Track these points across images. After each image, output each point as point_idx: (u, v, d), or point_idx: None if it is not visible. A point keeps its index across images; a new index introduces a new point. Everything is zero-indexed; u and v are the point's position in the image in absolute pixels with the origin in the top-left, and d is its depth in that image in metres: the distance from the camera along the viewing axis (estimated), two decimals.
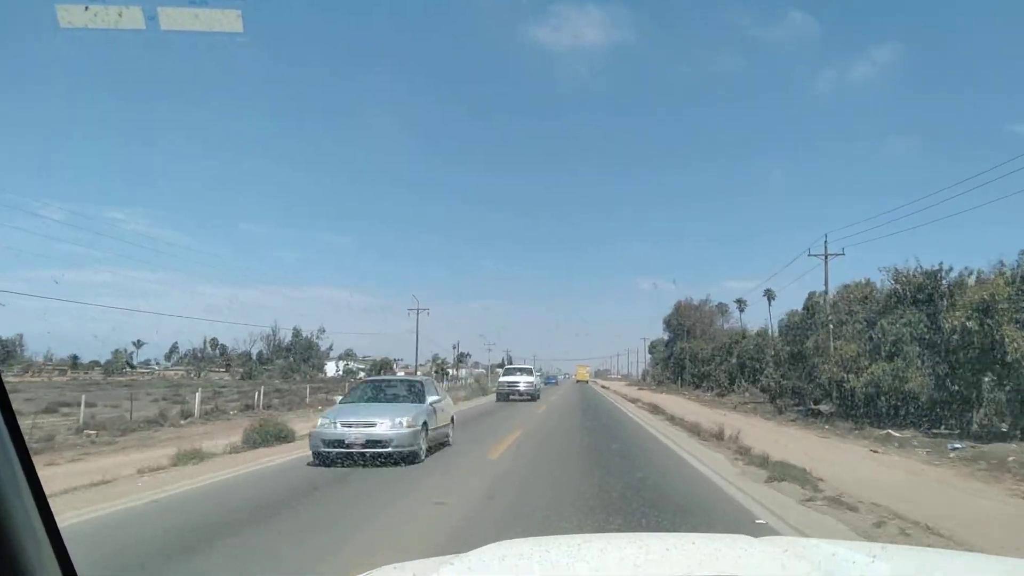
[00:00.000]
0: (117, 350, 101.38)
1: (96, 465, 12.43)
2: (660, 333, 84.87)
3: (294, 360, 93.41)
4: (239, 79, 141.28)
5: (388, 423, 11.96)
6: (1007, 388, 17.40)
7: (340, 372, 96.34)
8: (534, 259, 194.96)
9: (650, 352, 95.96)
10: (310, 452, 12.28)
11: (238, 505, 8.77)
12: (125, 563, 6.06)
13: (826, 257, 34.02)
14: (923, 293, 21.39)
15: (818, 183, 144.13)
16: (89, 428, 20.01)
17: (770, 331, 41.93)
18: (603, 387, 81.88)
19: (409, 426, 12.06)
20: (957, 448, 15.30)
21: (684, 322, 73.68)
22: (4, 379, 1.49)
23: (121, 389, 46.96)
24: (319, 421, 12.63)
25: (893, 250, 54.78)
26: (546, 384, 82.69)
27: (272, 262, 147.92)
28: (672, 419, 22.23)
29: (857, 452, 14.98)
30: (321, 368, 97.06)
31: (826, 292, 29.93)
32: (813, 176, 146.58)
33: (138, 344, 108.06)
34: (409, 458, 11.94)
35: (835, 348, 24.07)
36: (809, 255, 34.12)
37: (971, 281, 20.71)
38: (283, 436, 15.62)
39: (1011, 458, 13.11)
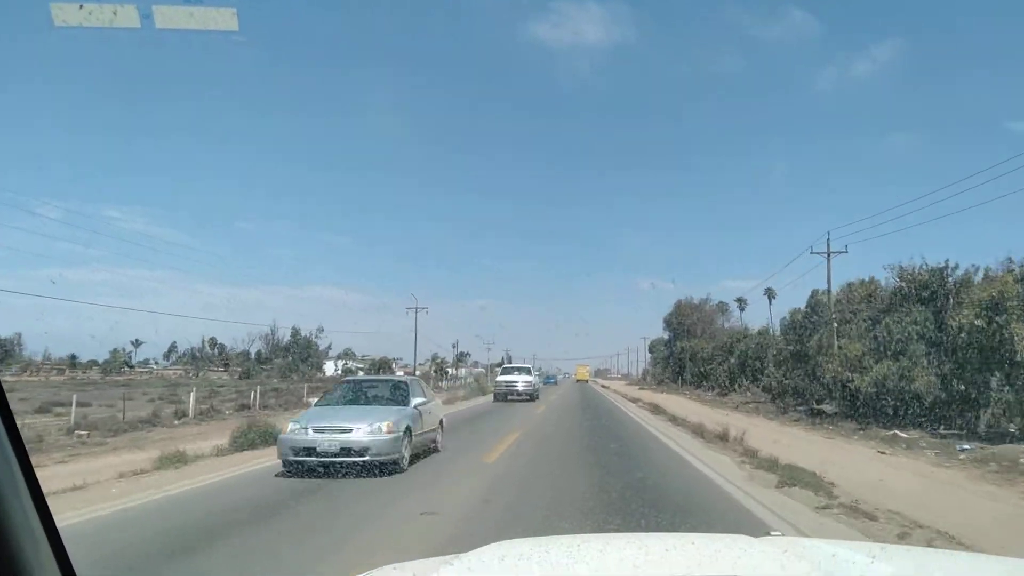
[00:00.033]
0: (115, 349, 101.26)
1: (79, 468, 12.08)
2: (660, 332, 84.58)
3: (293, 359, 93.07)
4: (236, 75, 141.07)
5: (366, 428, 10.85)
6: (1016, 388, 17.07)
7: (339, 371, 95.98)
8: (534, 258, 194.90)
9: (650, 351, 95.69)
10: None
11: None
12: None
13: (828, 255, 33.68)
14: (928, 291, 21.05)
15: (819, 182, 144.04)
16: (80, 428, 19.64)
17: (771, 330, 41.56)
18: (603, 387, 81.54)
19: (389, 432, 10.95)
20: (966, 449, 14.96)
21: (684, 321, 73.32)
22: (2, 379, 1.65)
23: (118, 389, 46.62)
24: (288, 426, 11.43)
25: (896, 248, 54.55)
26: (545, 384, 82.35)
27: (271, 260, 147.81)
28: (674, 419, 21.85)
29: (864, 454, 14.62)
30: (320, 367, 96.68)
31: (829, 290, 29.58)
32: (814, 175, 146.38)
33: (136, 343, 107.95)
34: (389, 467, 10.88)
35: (839, 347, 23.73)
36: (812, 253, 33.80)
37: (978, 279, 20.38)
38: (270, 438, 15.18)
39: (1022, 459, 12.78)
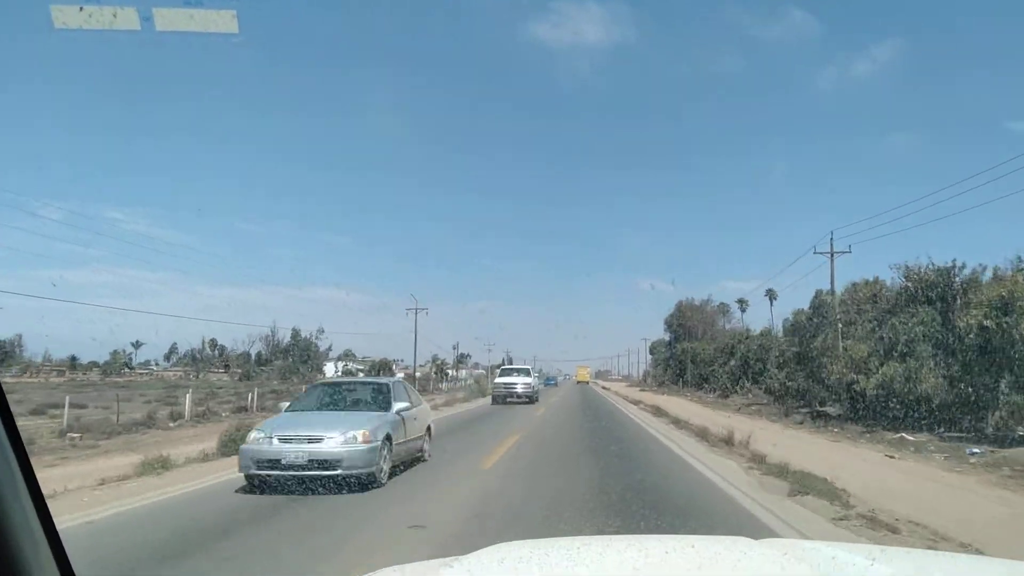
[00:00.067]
0: (115, 351, 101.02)
1: (64, 472, 11.75)
2: (661, 333, 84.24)
3: (293, 361, 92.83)
4: (236, 75, 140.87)
5: (339, 437, 9.67)
6: None
7: (339, 373, 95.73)
8: (534, 258, 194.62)
9: (651, 353, 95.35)
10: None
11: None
12: None
13: (832, 255, 33.38)
14: (935, 291, 20.69)
15: (819, 182, 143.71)
16: (73, 431, 19.33)
17: (774, 331, 41.22)
18: (604, 388, 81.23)
19: (366, 441, 9.77)
20: (976, 453, 14.62)
21: (685, 322, 73.01)
22: (2, 381, 2.14)
23: (116, 390, 46.28)
24: (251, 435, 10.20)
25: (897, 248, 54.12)
26: (546, 385, 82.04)
27: (271, 261, 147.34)
28: (677, 422, 21.48)
29: (872, 458, 14.27)
30: (320, 369, 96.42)
31: (833, 291, 29.26)
32: (814, 175, 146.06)
33: (136, 345, 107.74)
34: (365, 481, 9.72)
35: (844, 348, 23.38)
36: (815, 253, 33.51)
37: (985, 278, 20.03)
38: None
39: None
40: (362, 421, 10.22)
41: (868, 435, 18.65)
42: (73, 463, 13.70)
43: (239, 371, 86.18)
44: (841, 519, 7.50)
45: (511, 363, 67.20)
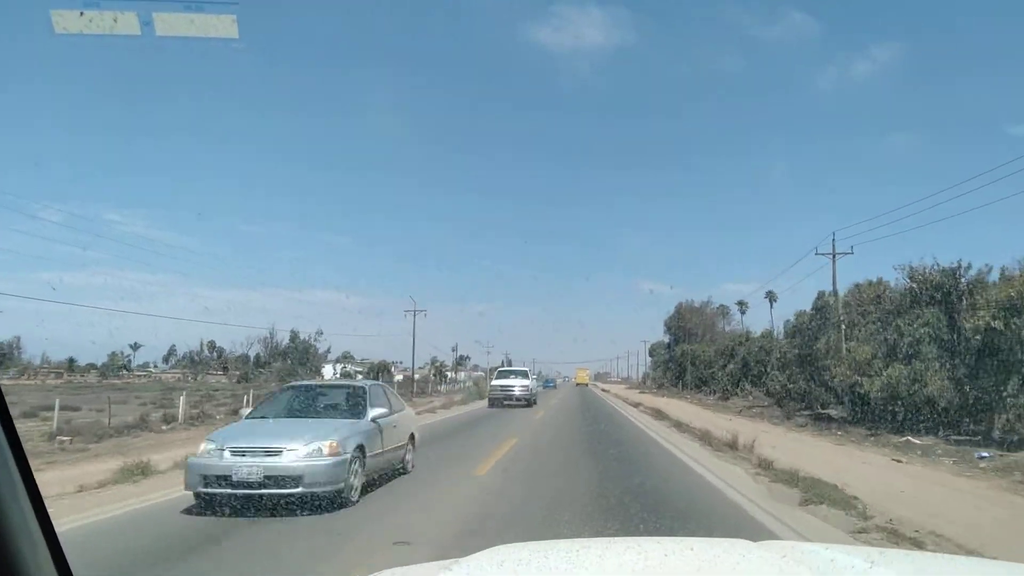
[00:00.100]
0: (113, 353, 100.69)
1: (47, 478, 11.34)
2: (660, 336, 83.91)
3: (291, 363, 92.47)
4: (236, 77, 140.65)
5: (300, 450, 8.37)
6: None
7: (337, 375, 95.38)
8: (534, 260, 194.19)
9: (650, 355, 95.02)
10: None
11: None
12: None
13: (834, 256, 33.03)
14: (940, 292, 20.35)
15: (819, 183, 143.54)
16: (63, 434, 18.94)
17: (775, 333, 40.90)
18: (603, 390, 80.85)
19: (332, 453, 8.48)
20: (985, 457, 14.29)
21: (685, 324, 72.70)
22: (1, 383, 1.23)
23: (113, 392, 45.95)
24: (201, 446, 8.87)
25: (899, 249, 53.62)
26: (545, 387, 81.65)
27: (271, 263, 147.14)
28: (678, 425, 21.08)
29: (879, 462, 13.92)
30: (319, 371, 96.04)
31: (836, 292, 28.90)
32: (814, 177, 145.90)
33: (134, 347, 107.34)
34: (331, 501, 8.37)
35: (847, 350, 23.03)
36: (816, 254, 33.16)
37: (991, 279, 19.70)
38: None
39: None
40: (329, 430, 8.97)
41: (873, 438, 18.31)
42: (59, 468, 13.33)
43: (237, 373, 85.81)
44: (860, 531, 7.06)
45: (510, 365, 66.01)
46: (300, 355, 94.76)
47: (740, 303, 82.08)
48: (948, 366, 19.10)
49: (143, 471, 11.16)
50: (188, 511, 8.39)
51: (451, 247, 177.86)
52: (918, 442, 16.96)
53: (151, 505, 9.08)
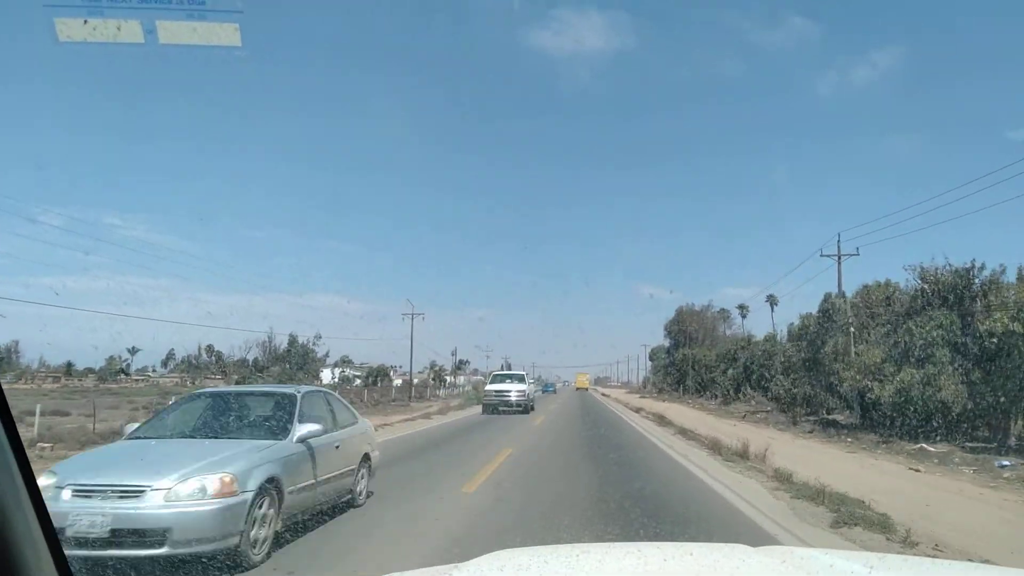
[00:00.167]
0: (111, 357, 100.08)
1: None
2: (660, 340, 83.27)
3: (290, 367, 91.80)
4: (238, 81, 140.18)
5: (172, 488, 5.81)
6: None
7: (336, 379, 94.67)
8: (534, 264, 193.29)
9: (651, 359, 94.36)
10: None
11: None
12: None
13: (839, 258, 32.40)
14: (953, 293, 19.68)
15: (819, 189, 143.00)
16: (44, 440, 18.23)
17: (778, 337, 40.22)
18: (603, 395, 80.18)
19: (222, 493, 5.91)
20: (1006, 466, 13.64)
21: (685, 328, 72.04)
22: (1, 384, 1.59)
23: (108, 397, 45.18)
24: (41, 480, 5.51)
25: (900, 251, 53.12)
26: (544, 392, 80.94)
27: (272, 268, 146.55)
28: (683, 432, 20.34)
29: (896, 471, 13.23)
30: (317, 375, 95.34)
31: (842, 294, 28.24)
32: (814, 181, 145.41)
33: (132, 351, 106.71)
34: (219, 564, 5.92)
35: (856, 354, 22.35)
36: (821, 255, 32.56)
37: (1006, 280, 19.02)
38: None
39: None
40: (223, 459, 6.29)
41: (884, 445, 17.63)
42: None
43: (235, 377, 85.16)
44: None
45: (510, 369, 63.14)
46: (299, 359, 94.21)
47: (741, 307, 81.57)
48: (961, 370, 18.44)
49: None
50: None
51: (451, 251, 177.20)
52: (933, 449, 16.29)
53: None
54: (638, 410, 37.60)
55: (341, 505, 8.50)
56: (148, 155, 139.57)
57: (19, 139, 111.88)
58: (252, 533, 6.18)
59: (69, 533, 5.45)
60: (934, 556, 6.24)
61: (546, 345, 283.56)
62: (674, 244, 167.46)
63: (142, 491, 5.76)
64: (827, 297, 28.43)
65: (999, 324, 16.40)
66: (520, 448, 16.33)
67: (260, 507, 6.31)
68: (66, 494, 5.75)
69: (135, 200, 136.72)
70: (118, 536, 5.57)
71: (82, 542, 5.47)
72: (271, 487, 6.51)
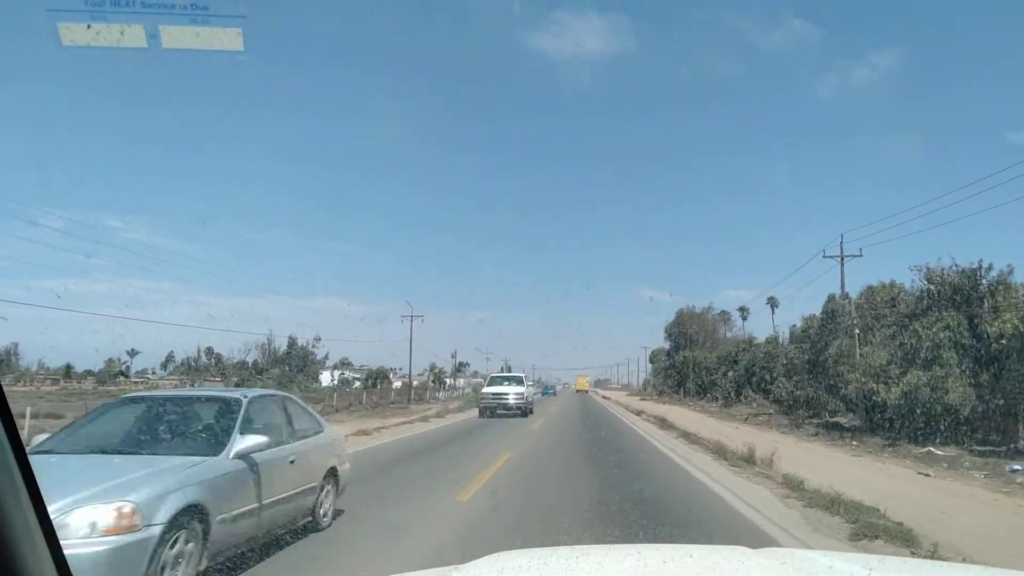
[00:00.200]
0: (110, 359, 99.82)
1: None
2: (660, 343, 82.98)
3: (289, 369, 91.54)
4: (238, 83, 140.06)
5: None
6: None
7: (335, 382, 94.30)
8: (534, 266, 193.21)
9: (651, 361, 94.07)
10: None
11: None
12: None
13: (842, 258, 32.13)
14: (960, 294, 19.32)
15: (819, 192, 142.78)
16: (28, 445, 17.90)
17: (780, 339, 39.87)
18: (604, 397, 79.87)
19: (113, 530, 4.61)
20: (1017, 470, 13.28)
21: (686, 331, 71.73)
22: (2, 385, 1.60)
23: (105, 399, 44.77)
24: None
25: (904, 252, 52.80)
26: (544, 395, 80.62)
27: (271, 269, 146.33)
28: (686, 435, 19.95)
29: (905, 476, 12.87)
30: (316, 377, 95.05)
31: (847, 295, 27.92)
32: (815, 184, 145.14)
33: (132, 353, 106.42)
34: None
35: (861, 355, 21.99)
36: (824, 256, 32.32)
37: (1015, 280, 18.67)
38: None
39: None
40: (128, 482, 4.99)
41: (891, 449, 17.27)
42: None
43: (234, 380, 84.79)
44: None
45: (510, 371, 61.41)
46: (299, 361, 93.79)
47: (741, 309, 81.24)
48: (969, 372, 18.09)
49: None
50: None
51: (452, 253, 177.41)
52: (941, 453, 15.94)
53: None
54: (639, 412, 37.25)
55: (299, 530, 7.29)
56: (148, 157, 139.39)
57: (20, 141, 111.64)
58: None
59: None
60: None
61: (546, 347, 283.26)
62: (674, 246, 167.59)
63: None
64: (831, 298, 28.11)
65: (1008, 325, 16.07)
66: (518, 452, 15.91)
67: (173, 544, 4.98)
68: None
69: (136, 202, 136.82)
70: None
71: None
72: (191, 517, 5.21)
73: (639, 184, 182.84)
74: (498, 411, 31.30)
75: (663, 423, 26.18)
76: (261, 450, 6.34)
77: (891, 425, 19.17)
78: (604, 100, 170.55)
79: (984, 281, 19.02)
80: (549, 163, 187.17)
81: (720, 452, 14.29)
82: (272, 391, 9.08)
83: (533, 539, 7.06)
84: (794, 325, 35.30)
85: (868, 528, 7.07)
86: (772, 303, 74.28)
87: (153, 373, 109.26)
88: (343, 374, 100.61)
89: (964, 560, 5.80)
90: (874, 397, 19.92)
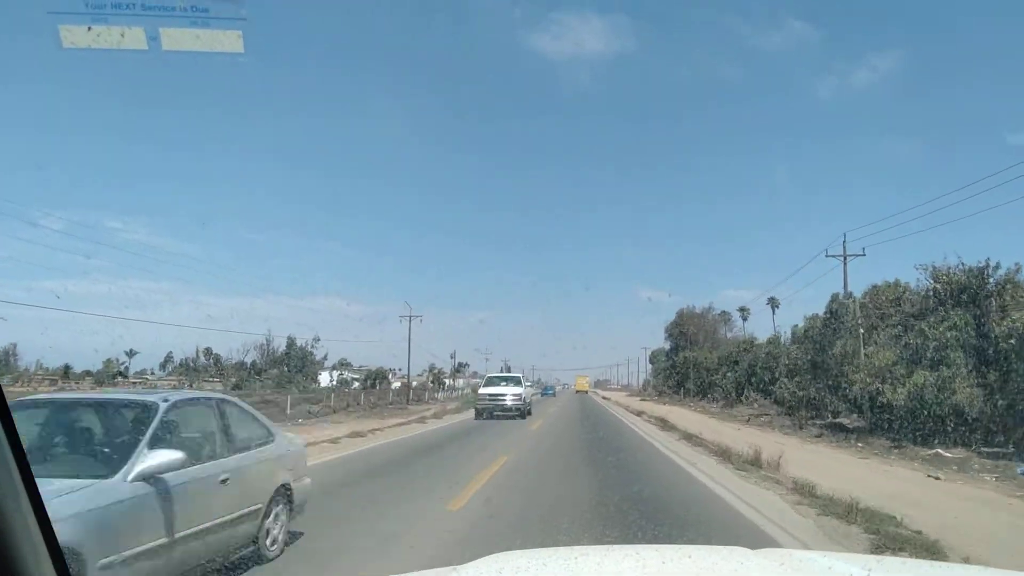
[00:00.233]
0: (108, 359, 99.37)
1: None
2: (660, 343, 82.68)
3: (288, 369, 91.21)
4: (239, 84, 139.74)
5: None
6: None
7: (334, 382, 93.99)
8: (534, 267, 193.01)
9: (651, 362, 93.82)
10: None
11: None
12: None
13: (845, 258, 31.80)
14: (966, 293, 18.99)
15: (820, 192, 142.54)
16: None
17: (782, 339, 39.54)
18: (604, 398, 79.53)
19: None
20: None
21: (686, 331, 71.41)
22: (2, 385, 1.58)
23: None
24: None
25: (905, 253, 52.50)
26: (543, 395, 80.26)
27: (271, 269, 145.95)
28: (688, 437, 19.57)
29: (915, 479, 12.52)
30: (315, 378, 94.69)
31: (851, 295, 27.58)
32: (814, 185, 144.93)
33: (130, 353, 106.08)
34: None
35: (866, 356, 21.64)
36: (827, 255, 31.99)
37: (1023, 278, 18.33)
38: None
39: None
40: None
41: (897, 450, 16.93)
42: None
43: (233, 380, 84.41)
44: None
45: (509, 372, 60.13)
46: (297, 362, 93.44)
47: (742, 309, 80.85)
48: (977, 373, 17.76)
49: None
50: None
51: (451, 253, 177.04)
52: (949, 455, 15.60)
53: None
54: (639, 413, 36.91)
55: (237, 563, 6.01)
56: (148, 157, 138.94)
57: (21, 142, 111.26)
58: None
59: None
60: None
61: (546, 348, 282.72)
62: (674, 246, 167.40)
63: None
64: (834, 297, 27.78)
65: (1017, 324, 15.75)
66: (516, 455, 15.43)
67: None
68: None
69: (136, 203, 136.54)
70: None
71: None
72: (60, 564, 3.27)
73: (639, 184, 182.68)
74: (495, 412, 30.37)
75: (664, 424, 25.83)
76: (175, 468, 5.02)
77: (896, 426, 18.83)
78: (604, 100, 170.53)
79: (991, 280, 18.70)
80: (549, 163, 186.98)
81: (724, 455, 13.91)
82: (206, 393, 7.88)
83: (532, 544, 6.62)
84: (796, 325, 34.97)
85: (889, 540, 6.59)
86: (772, 303, 73.94)
87: (152, 374, 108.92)
88: (342, 374, 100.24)
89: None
90: (880, 398, 19.58)
